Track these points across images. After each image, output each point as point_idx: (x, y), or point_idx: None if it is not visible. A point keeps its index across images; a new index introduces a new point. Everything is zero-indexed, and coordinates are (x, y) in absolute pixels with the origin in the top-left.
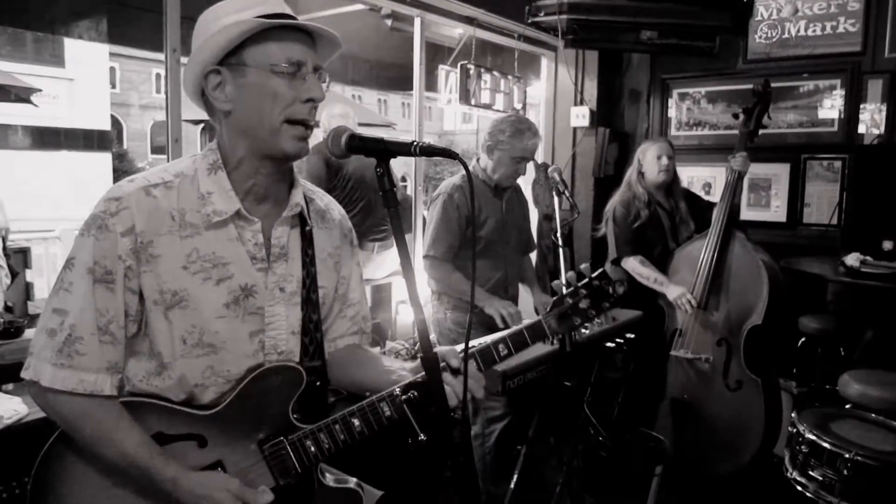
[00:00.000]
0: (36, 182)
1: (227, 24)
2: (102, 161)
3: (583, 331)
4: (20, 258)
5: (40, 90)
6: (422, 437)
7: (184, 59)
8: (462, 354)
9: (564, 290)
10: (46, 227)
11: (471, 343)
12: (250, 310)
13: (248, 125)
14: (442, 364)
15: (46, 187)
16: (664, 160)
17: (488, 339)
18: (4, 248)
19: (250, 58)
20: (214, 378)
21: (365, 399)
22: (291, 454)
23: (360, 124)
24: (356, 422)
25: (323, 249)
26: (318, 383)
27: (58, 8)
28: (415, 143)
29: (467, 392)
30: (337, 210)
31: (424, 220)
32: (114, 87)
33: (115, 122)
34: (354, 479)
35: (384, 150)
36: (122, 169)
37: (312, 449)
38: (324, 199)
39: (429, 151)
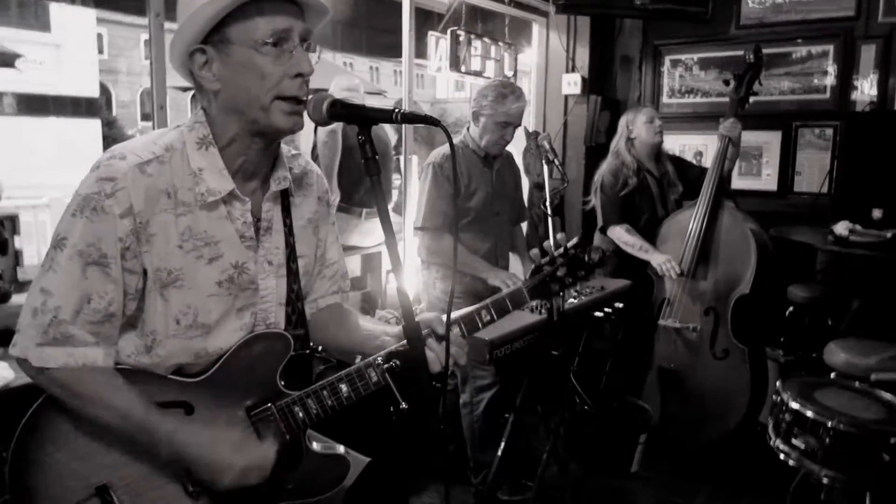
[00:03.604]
0: (24, 148)
1: (206, 0)
2: (92, 128)
3: (570, 300)
4: (9, 225)
5: (22, 55)
6: (403, 405)
7: (168, 24)
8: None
9: (542, 260)
10: (35, 193)
11: (456, 311)
12: (243, 286)
13: (238, 104)
14: (427, 330)
15: (35, 154)
16: (657, 122)
17: (472, 307)
18: None
19: (234, 34)
20: (207, 357)
21: (352, 364)
22: (279, 420)
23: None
24: (343, 387)
25: (302, 217)
26: (302, 351)
27: None
28: (396, 111)
29: (450, 358)
30: (314, 172)
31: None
32: (102, 53)
33: (104, 89)
34: (342, 447)
35: (365, 117)
36: (111, 136)
37: (300, 415)
38: (300, 162)
39: (410, 119)
